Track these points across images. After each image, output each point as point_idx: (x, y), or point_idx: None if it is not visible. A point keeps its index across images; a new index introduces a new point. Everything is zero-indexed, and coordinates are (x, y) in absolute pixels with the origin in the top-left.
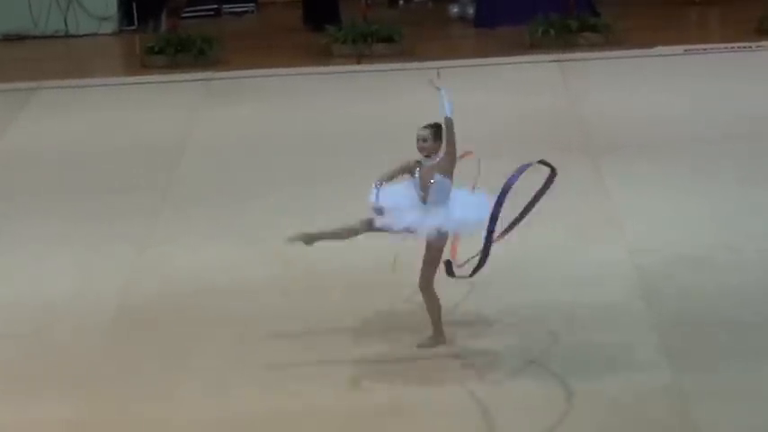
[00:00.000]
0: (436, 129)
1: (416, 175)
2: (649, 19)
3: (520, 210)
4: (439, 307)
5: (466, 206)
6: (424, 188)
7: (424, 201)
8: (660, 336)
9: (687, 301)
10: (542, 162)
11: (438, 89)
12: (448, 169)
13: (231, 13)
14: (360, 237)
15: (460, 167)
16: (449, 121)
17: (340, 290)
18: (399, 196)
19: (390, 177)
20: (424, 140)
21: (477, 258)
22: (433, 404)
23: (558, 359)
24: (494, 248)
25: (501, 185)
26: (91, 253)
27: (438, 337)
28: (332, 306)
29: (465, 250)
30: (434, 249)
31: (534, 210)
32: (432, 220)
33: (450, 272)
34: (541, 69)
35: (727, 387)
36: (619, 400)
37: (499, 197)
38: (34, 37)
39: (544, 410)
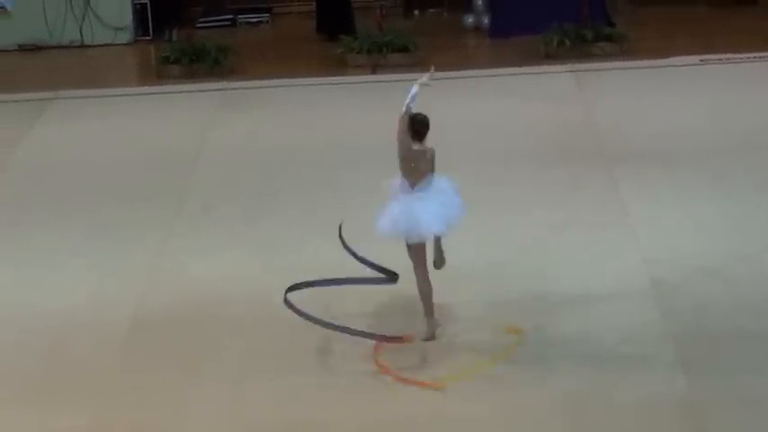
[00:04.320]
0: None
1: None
2: (665, 29)
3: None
4: (431, 294)
5: (447, 206)
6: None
7: (412, 186)
8: (676, 346)
9: (703, 311)
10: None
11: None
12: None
13: (246, 22)
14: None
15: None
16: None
17: (354, 299)
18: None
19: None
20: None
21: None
22: (445, 415)
23: (574, 369)
24: (506, 258)
25: (517, 196)
26: (106, 262)
27: (432, 325)
28: (347, 315)
29: None
30: (415, 249)
31: (550, 219)
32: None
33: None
34: (557, 79)
35: (742, 397)
36: (634, 409)
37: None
38: (50, 47)
39: (559, 419)
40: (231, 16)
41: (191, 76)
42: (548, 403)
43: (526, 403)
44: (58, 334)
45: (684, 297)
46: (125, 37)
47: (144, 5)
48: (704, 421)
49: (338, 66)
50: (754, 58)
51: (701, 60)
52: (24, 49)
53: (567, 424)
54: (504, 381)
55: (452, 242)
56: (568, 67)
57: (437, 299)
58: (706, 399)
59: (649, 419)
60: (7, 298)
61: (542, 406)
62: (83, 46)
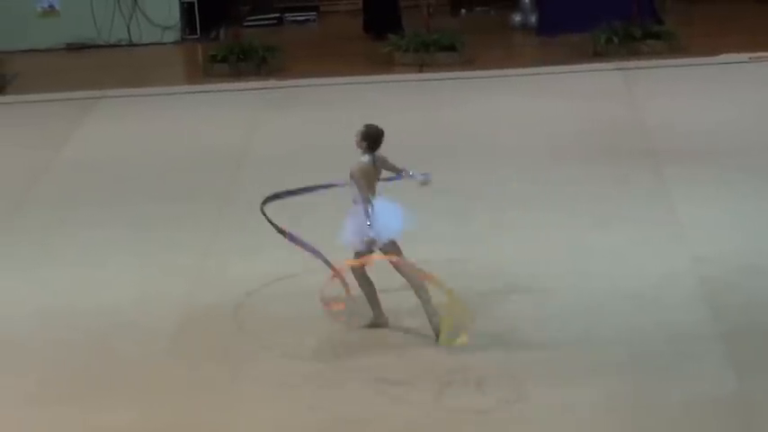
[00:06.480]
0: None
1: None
2: (713, 26)
3: None
4: (373, 291)
5: (387, 214)
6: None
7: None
8: (725, 345)
9: (752, 309)
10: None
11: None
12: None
13: (293, 21)
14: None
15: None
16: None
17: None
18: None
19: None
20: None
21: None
22: (486, 413)
23: (622, 368)
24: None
25: (564, 194)
26: (153, 261)
27: (379, 317)
28: (392, 314)
29: None
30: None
31: (597, 217)
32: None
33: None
34: (605, 77)
35: None
36: (683, 408)
37: None
38: (98, 46)
39: (605, 418)
40: (278, 15)
41: (237, 74)
42: (594, 402)
43: (571, 402)
44: (104, 332)
45: (733, 295)
46: (172, 36)
47: (191, 4)
48: (755, 420)
49: (385, 64)
50: None
51: (750, 58)
52: (72, 48)
53: (613, 423)
54: (548, 379)
55: (496, 239)
56: (617, 64)
57: (480, 297)
58: (756, 397)
59: (699, 418)
60: (54, 295)
61: (588, 405)
62: (130, 45)
